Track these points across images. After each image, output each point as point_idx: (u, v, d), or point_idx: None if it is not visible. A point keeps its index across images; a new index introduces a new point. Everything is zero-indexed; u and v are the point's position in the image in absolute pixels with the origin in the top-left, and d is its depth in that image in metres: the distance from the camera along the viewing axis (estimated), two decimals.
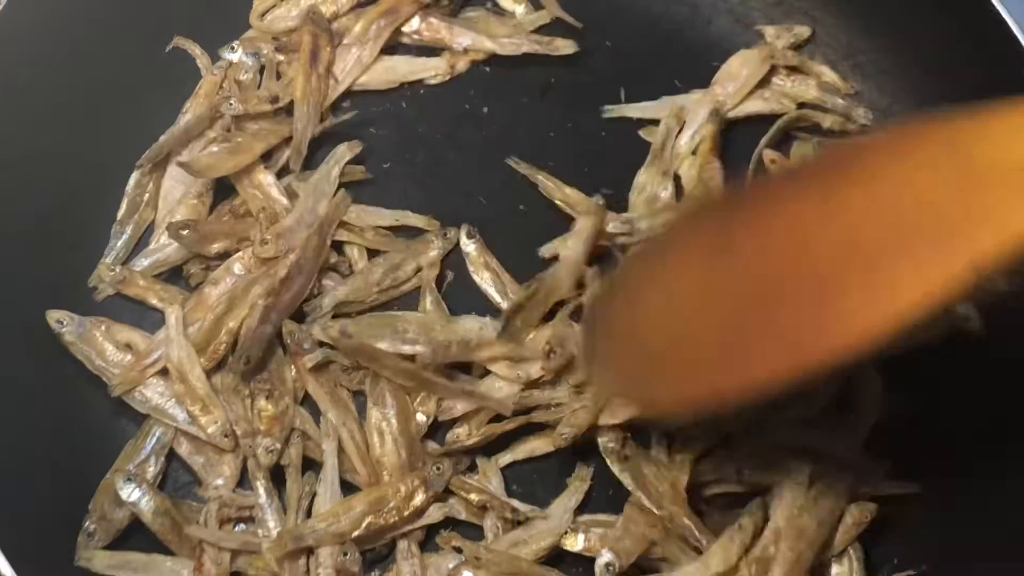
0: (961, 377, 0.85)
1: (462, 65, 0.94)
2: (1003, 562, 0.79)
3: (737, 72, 0.93)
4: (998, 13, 0.81)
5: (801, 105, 0.94)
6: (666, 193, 0.90)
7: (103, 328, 0.85)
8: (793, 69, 0.95)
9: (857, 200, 0.59)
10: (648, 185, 0.90)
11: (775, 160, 0.91)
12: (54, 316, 0.84)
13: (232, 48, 0.93)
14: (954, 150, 0.57)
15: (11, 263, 0.84)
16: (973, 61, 0.86)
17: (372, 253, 0.89)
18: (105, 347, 0.84)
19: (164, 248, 0.88)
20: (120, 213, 0.89)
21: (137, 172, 0.90)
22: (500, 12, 0.97)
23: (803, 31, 0.95)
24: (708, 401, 0.66)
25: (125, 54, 0.91)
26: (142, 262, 0.88)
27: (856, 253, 0.58)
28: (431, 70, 0.94)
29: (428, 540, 0.81)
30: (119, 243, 0.89)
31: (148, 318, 0.87)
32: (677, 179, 0.91)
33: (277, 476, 0.82)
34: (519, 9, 0.96)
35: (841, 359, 0.58)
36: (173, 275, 0.89)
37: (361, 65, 0.93)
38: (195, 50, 0.94)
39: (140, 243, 0.90)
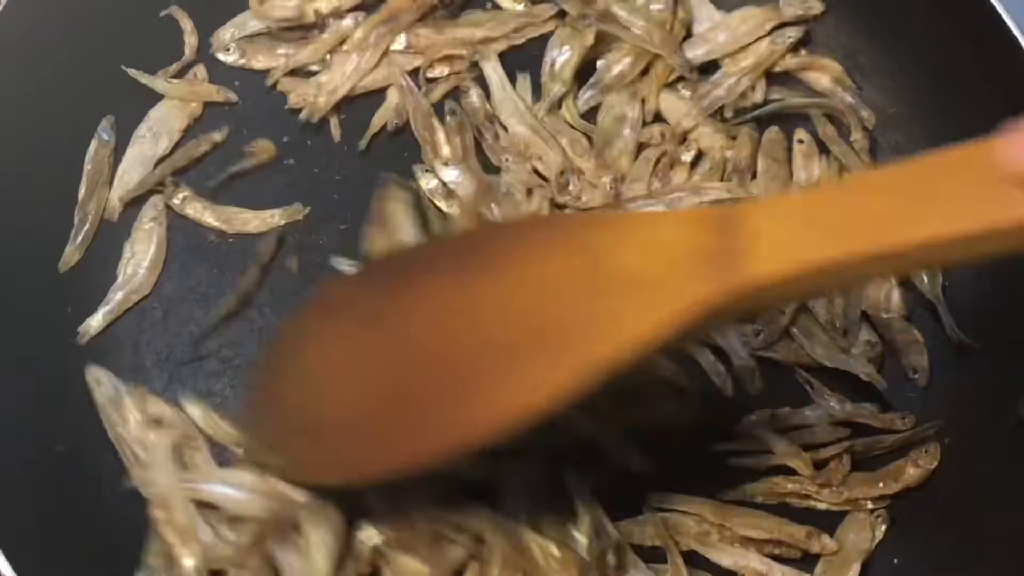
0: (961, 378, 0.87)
1: None
2: (1002, 562, 0.79)
3: (735, 26, 0.94)
4: (997, 13, 0.81)
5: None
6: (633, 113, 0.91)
7: (137, 396, 0.83)
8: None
9: (491, 291, 0.63)
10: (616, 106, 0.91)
11: (803, 140, 0.91)
12: (93, 375, 0.83)
13: (227, 49, 0.93)
14: (573, 250, 0.61)
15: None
16: (972, 61, 0.86)
17: None
18: (130, 418, 0.82)
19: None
20: (81, 194, 0.88)
21: (95, 141, 0.89)
22: (500, 12, 0.97)
23: (816, 5, 0.94)
24: (358, 476, 0.70)
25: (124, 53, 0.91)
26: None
27: (489, 344, 0.62)
28: None
29: None
30: (85, 228, 0.88)
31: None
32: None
33: None
34: (519, 9, 0.96)
35: (474, 442, 0.62)
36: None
37: (360, 72, 0.93)
38: (187, 25, 0.93)
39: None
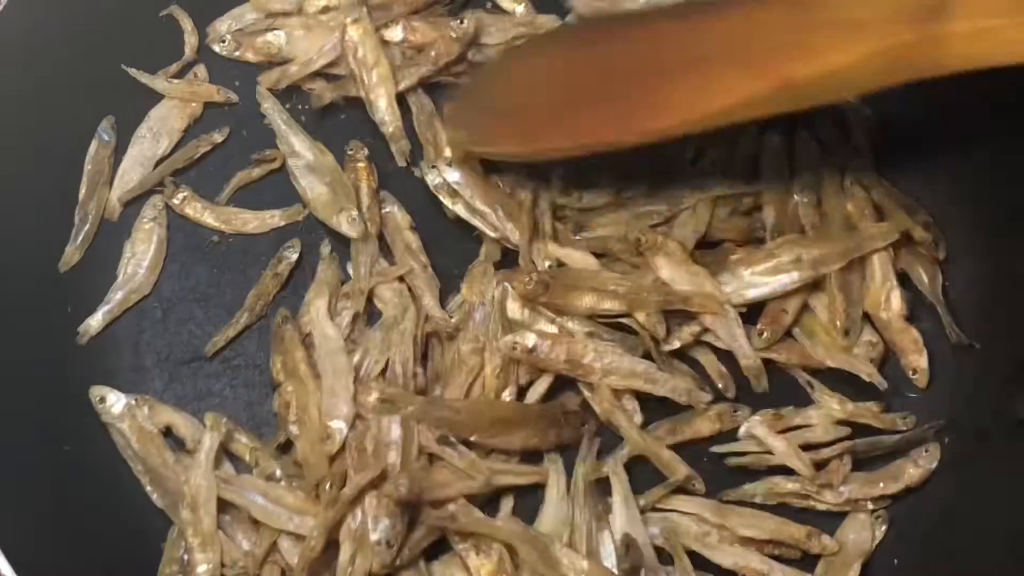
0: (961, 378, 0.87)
1: None
2: (1002, 562, 0.79)
3: None
4: None
5: None
6: None
7: (146, 409, 0.83)
8: None
9: (706, 22, 0.73)
10: None
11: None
12: (97, 393, 0.83)
13: (223, 41, 0.93)
14: (799, 2, 0.69)
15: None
16: None
17: None
18: (146, 428, 0.83)
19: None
20: (81, 194, 0.89)
21: (95, 142, 0.89)
22: (500, 12, 0.97)
23: None
24: (546, 151, 0.82)
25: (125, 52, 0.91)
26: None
27: (691, 58, 0.72)
28: None
29: None
30: (85, 228, 0.88)
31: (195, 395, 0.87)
32: None
33: None
34: (519, 9, 0.96)
35: (660, 134, 0.73)
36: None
37: (334, 49, 0.92)
38: (187, 24, 0.93)
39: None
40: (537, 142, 0.81)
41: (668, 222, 0.88)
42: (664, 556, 0.81)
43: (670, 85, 0.72)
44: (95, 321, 0.86)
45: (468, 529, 0.79)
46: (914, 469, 0.84)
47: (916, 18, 0.61)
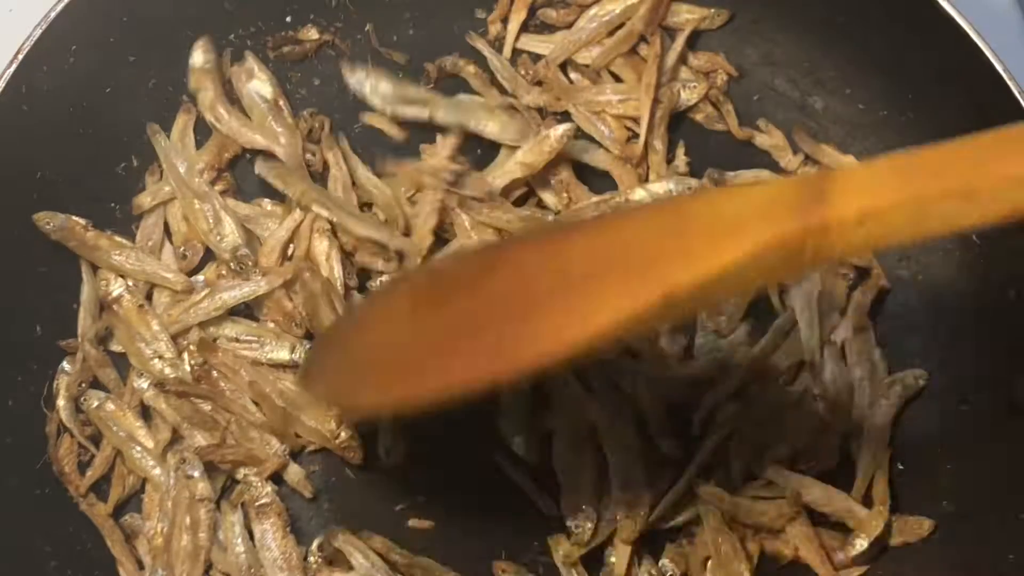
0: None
1: None
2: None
3: None
4: (946, 11, 0.83)
5: None
6: None
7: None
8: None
9: (576, 241, 0.68)
10: None
11: None
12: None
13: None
14: (670, 208, 0.66)
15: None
16: (928, 62, 0.87)
17: None
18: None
19: None
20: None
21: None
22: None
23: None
24: (413, 400, 0.72)
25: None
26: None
27: (560, 280, 0.65)
28: None
29: None
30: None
31: None
32: None
33: None
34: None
35: (537, 367, 0.65)
36: None
37: None
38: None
39: None
40: (398, 389, 0.73)
41: None
42: None
43: (542, 310, 0.66)
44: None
45: None
46: None
47: (796, 208, 0.57)
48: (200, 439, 0.86)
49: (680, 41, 0.97)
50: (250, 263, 0.89)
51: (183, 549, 0.84)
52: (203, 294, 0.89)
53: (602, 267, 0.64)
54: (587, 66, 0.98)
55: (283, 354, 0.89)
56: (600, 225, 0.70)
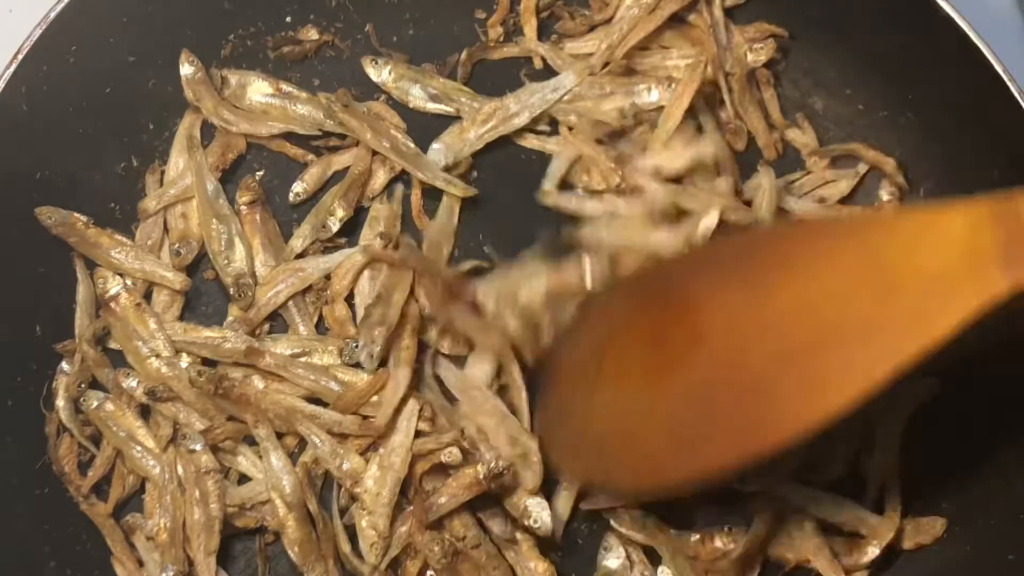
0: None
1: None
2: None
3: None
4: (946, 12, 0.83)
5: None
6: None
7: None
8: None
9: (779, 289, 0.62)
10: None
11: None
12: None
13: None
14: (863, 251, 0.60)
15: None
16: (928, 63, 0.87)
17: None
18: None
19: None
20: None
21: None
22: None
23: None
24: (660, 485, 0.70)
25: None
26: None
27: (786, 345, 0.61)
28: None
29: None
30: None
31: None
32: None
33: None
34: None
35: (778, 447, 0.60)
36: None
37: None
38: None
39: None
40: (650, 479, 0.70)
41: None
42: None
43: (774, 385, 0.61)
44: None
45: None
46: None
47: (1003, 259, 0.54)
48: (198, 423, 0.86)
49: (718, 10, 0.94)
50: (250, 293, 0.89)
51: (197, 523, 0.84)
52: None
53: (823, 331, 0.59)
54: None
55: (330, 359, 0.89)
56: (788, 266, 0.64)
